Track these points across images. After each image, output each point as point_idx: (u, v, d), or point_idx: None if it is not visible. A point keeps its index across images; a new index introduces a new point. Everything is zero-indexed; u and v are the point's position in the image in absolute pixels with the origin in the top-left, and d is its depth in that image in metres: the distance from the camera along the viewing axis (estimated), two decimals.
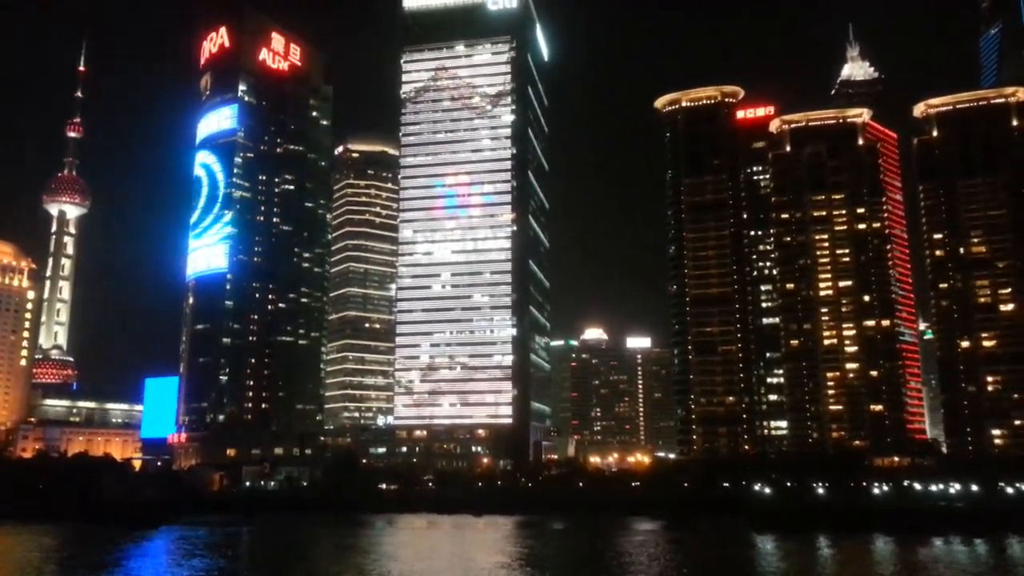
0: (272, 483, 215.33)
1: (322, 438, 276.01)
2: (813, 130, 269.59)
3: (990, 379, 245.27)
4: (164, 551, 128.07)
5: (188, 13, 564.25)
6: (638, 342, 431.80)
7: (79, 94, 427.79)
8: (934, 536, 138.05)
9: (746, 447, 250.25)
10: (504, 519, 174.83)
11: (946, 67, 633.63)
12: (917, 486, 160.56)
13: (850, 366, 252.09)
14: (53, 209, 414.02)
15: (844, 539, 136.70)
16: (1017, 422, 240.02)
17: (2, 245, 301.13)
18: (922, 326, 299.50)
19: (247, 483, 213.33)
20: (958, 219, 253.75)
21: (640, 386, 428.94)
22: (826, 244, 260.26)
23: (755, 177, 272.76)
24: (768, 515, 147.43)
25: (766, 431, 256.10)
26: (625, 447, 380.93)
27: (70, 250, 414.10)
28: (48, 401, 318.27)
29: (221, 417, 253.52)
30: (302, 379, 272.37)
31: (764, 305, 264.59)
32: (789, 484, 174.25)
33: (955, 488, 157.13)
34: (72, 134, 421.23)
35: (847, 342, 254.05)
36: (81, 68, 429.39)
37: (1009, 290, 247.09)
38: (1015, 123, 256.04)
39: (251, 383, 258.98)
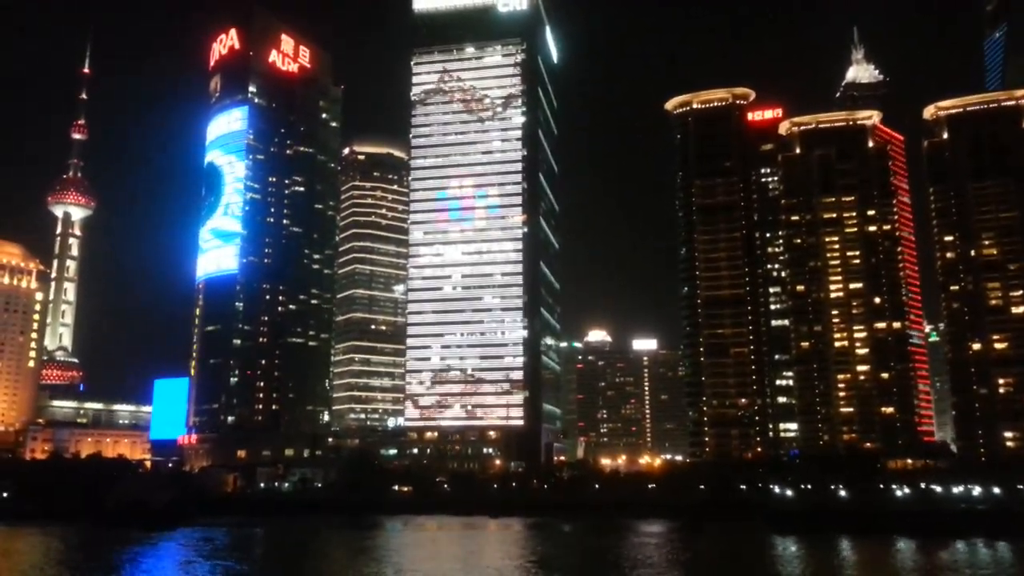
0: (286, 485, 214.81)
1: (331, 440, 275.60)
2: (822, 132, 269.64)
3: (1001, 381, 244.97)
4: (186, 553, 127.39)
5: (197, 14, 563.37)
6: (644, 344, 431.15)
7: (83, 96, 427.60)
8: (956, 538, 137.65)
9: (758, 449, 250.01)
10: (520, 521, 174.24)
11: (950, 70, 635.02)
12: (937, 488, 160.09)
13: (861, 368, 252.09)
14: (58, 211, 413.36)
15: (866, 542, 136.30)
16: None
17: (10, 247, 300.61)
18: (927, 328, 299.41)
19: (261, 484, 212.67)
20: (969, 221, 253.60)
21: (646, 388, 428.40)
22: (836, 246, 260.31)
23: (764, 179, 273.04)
24: (789, 517, 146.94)
25: (779, 433, 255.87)
26: (632, 449, 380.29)
27: (75, 252, 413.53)
28: (55, 402, 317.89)
29: (232, 419, 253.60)
30: (312, 381, 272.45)
31: (773, 307, 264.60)
32: (805, 487, 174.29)
33: (976, 490, 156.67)
34: (76, 136, 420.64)
35: (858, 344, 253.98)
36: (85, 70, 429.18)
37: (1020, 292, 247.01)
38: None
39: (261, 384, 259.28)
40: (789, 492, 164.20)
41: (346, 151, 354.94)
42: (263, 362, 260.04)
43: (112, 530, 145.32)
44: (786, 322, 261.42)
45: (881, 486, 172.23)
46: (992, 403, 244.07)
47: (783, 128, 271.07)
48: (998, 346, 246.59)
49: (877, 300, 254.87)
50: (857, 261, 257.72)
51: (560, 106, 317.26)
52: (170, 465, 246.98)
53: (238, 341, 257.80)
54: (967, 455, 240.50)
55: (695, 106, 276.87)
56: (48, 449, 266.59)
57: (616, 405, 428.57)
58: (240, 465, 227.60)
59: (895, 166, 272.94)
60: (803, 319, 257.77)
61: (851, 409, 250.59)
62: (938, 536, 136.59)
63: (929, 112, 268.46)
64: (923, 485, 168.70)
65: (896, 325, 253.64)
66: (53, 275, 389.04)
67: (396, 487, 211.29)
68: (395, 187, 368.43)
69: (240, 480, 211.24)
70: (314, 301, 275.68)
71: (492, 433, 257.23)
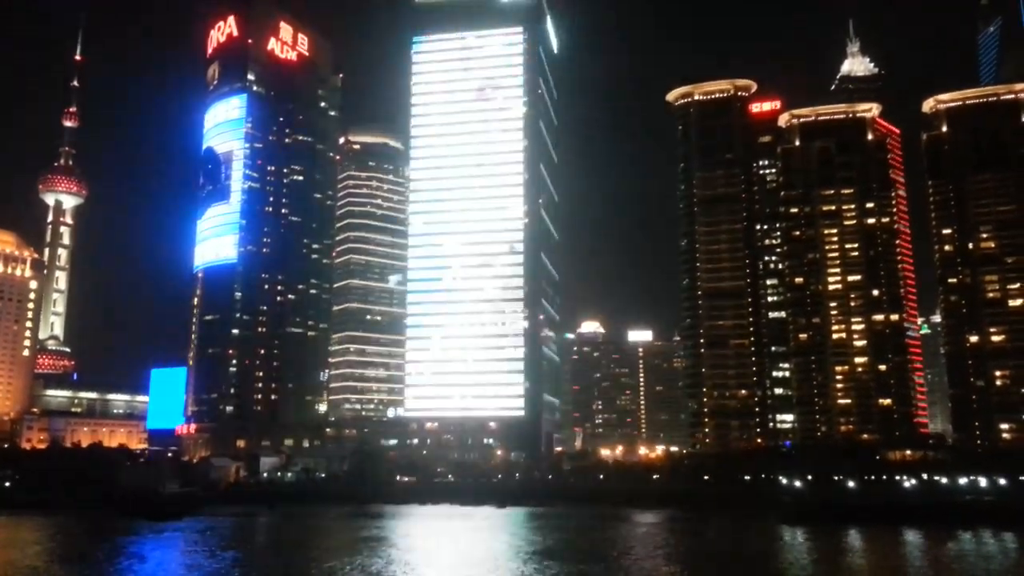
0: (289, 474, 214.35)
1: (328, 429, 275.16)
2: (822, 124, 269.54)
3: (998, 373, 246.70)
4: (196, 542, 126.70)
5: (195, 2, 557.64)
6: (639, 335, 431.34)
7: (75, 83, 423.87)
8: (963, 529, 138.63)
9: (758, 440, 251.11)
10: (526, 511, 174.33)
11: (945, 64, 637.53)
12: (943, 480, 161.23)
13: (858, 360, 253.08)
14: (49, 199, 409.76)
15: (875, 532, 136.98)
16: None
17: (3, 235, 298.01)
18: (919, 321, 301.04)
19: (264, 474, 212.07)
20: (967, 214, 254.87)
21: (641, 379, 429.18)
22: (835, 238, 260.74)
23: (762, 171, 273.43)
24: (799, 508, 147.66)
25: (776, 425, 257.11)
26: (627, 440, 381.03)
27: (66, 240, 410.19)
28: (49, 392, 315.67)
29: (231, 408, 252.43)
30: (310, 371, 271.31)
31: (771, 299, 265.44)
32: (808, 477, 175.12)
33: (983, 482, 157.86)
34: (68, 123, 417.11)
35: (855, 336, 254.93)
36: (77, 57, 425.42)
37: (1018, 285, 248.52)
38: None
39: (260, 374, 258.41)
40: (798, 483, 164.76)
41: (341, 140, 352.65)
42: (262, 352, 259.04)
43: (120, 520, 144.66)
44: (783, 314, 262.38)
45: (884, 477, 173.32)
46: (989, 395, 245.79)
47: (783, 120, 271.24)
48: (995, 339, 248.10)
49: (875, 292, 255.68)
50: (855, 254, 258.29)
51: (560, 96, 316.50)
52: (169, 455, 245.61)
53: (237, 331, 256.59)
54: (964, 446, 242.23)
55: (697, 97, 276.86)
56: (44, 438, 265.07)
57: (611, 396, 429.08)
58: (242, 455, 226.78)
59: (892, 159, 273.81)
60: (801, 311, 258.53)
61: (849, 401, 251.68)
62: (945, 527, 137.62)
63: (928, 105, 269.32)
64: (926, 476, 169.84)
65: (894, 317, 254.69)
66: (44, 263, 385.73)
67: (399, 477, 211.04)
68: (390, 177, 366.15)
69: (243, 470, 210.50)
70: (313, 291, 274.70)
71: (492, 423, 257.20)
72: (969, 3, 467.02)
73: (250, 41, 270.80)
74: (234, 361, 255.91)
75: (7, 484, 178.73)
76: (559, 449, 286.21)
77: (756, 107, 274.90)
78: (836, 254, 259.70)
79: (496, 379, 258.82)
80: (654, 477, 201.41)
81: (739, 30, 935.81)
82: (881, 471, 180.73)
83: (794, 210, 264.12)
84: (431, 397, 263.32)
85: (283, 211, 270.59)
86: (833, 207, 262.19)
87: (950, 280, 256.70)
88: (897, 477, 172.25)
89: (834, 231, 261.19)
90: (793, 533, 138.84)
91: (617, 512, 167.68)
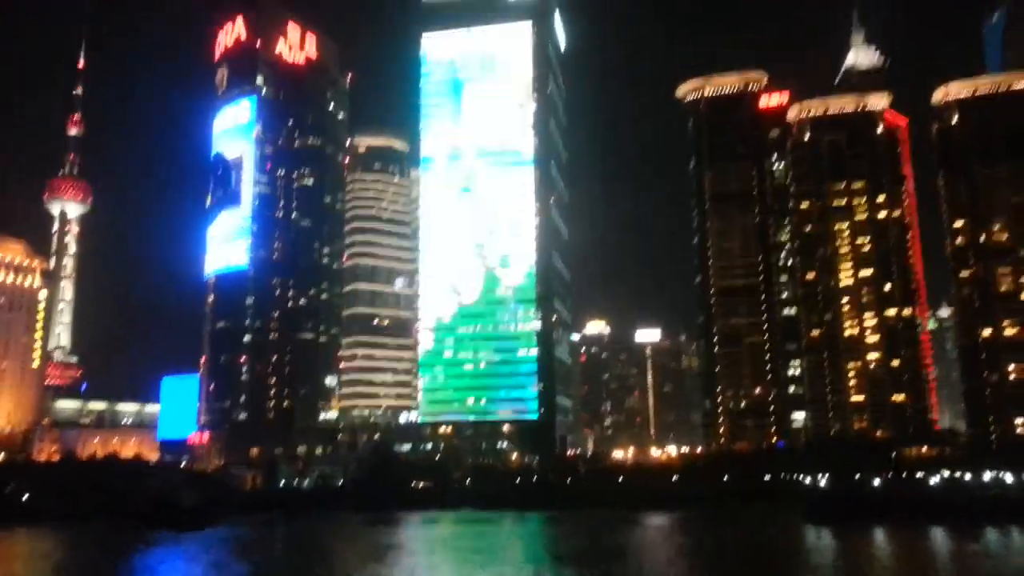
0: (307, 482, 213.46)
1: (341, 435, 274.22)
2: (832, 118, 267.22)
3: (1012, 367, 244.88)
4: (220, 552, 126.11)
5: (200, 4, 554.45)
6: (647, 334, 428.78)
7: (79, 91, 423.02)
8: (988, 526, 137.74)
9: (773, 439, 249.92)
10: (548, 514, 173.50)
11: (950, 54, 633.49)
12: (967, 475, 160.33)
13: (871, 356, 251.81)
14: (55, 208, 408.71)
15: (902, 530, 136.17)
16: None
17: (12, 244, 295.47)
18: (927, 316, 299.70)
19: (282, 482, 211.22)
20: (979, 206, 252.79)
21: (650, 380, 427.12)
22: (847, 233, 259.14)
23: (771, 166, 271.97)
24: (824, 506, 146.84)
25: (790, 423, 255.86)
26: (637, 441, 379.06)
27: (72, 249, 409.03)
28: (59, 403, 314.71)
29: (244, 416, 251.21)
30: (322, 376, 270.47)
31: (783, 296, 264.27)
32: (826, 475, 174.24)
33: (1009, 478, 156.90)
34: (73, 131, 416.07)
35: (868, 332, 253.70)
36: (80, 64, 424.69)
37: None
38: None
39: (274, 381, 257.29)
40: (823, 481, 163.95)
41: (347, 143, 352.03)
42: (275, 358, 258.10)
43: (141, 530, 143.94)
44: (794, 310, 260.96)
45: (904, 474, 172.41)
46: (1003, 389, 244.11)
47: (792, 114, 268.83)
48: (1008, 332, 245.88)
49: (887, 287, 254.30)
50: (867, 248, 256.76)
51: (568, 92, 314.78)
52: (183, 464, 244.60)
53: (249, 337, 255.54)
54: (979, 441, 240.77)
55: (707, 92, 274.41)
56: (55, 450, 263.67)
57: (620, 397, 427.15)
58: (258, 463, 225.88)
59: (901, 151, 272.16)
60: (813, 307, 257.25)
61: (862, 397, 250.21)
62: (972, 524, 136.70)
63: (938, 96, 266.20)
64: (947, 473, 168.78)
65: (906, 312, 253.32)
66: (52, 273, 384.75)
67: (416, 482, 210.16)
68: (396, 179, 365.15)
69: (260, 478, 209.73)
70: (324, 296, 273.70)
71: (506, 426, 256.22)
72: None
73: (258, 43, 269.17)
74: (246, 368, 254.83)
75: (25, 496, 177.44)
76: (572, 452, 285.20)
77: (764, 100, 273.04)
78: (847, 249, 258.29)
79: (510, 382, 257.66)
80: (673, 478, 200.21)
81: (742, 20, 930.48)
82: (900, 468, 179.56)
83: (805, 205, 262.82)
84: (445, 401, 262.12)
85: (294, 215, 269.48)
86: (844, 201, 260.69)
87: (962, 273, 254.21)
88: (919, 474, 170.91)
89: (845, 226, 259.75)
90: (819, 532, 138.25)
91: (639, 514, 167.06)
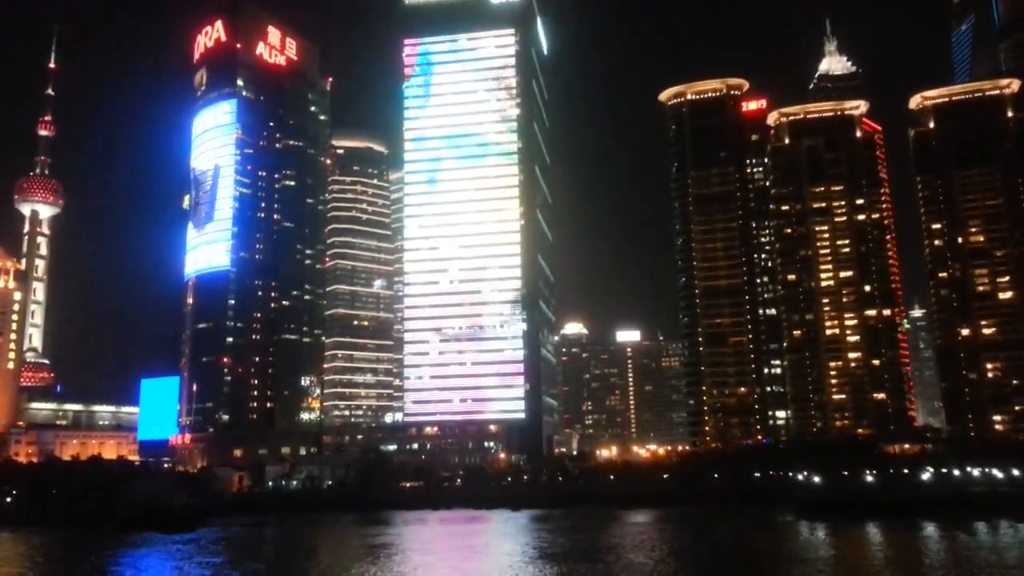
0: (294, 483, 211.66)
1: (326, 436, 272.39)
2: (811, 122, 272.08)
3: (990, 366, 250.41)
4: (211, 554, 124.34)
5: (178, 6, 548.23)
6: (627, 335, 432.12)
7: (50, 91, 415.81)
8: (978, 521, 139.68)
9: (759, 437, 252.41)
10: (539, 513, 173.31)
11: (921, 62, 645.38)
12: (955, 472, 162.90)
13: (852, 355, 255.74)
14: (25, 209, 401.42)
15: (894, 525, 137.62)
16: (1018, 407, 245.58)
17: None
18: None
19: (270, 483, 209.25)
20: (956, 209, 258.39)
21: (630, 379, 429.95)
22: (826, 235, 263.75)
23: (752, 169, 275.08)
24: (817, 503, 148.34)
25: (773, 421, 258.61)
26: (618, 440, 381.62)
27: (44, 250, 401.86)
28: (34, 405, 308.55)
29: (226, 417, 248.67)
30: (304, 377, 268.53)
31: (765, 296, 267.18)
32: (820, 472, 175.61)
33: (999, 474, 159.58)
34: (43, 132, 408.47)
35: (848, 331, 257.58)
36: (52, 65, 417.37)
37: (1008, 278, 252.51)
38: (1010, 114, 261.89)
39: (255, 382, 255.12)
40: (816, 479, 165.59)
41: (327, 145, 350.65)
42: (257, 359, 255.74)
43: (128, 533, 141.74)
44: (776, 311, 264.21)
45: (891, 471, 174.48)
46: (981, 388, 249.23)
47: (772, 119, 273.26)
48: (986, 331, 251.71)
49: (867, 288, 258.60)
50: (847, 250, 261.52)
51: (551, 97, 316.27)
52: (166, 465, 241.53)
53: (231, 338, 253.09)
54: (959, 438, 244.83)
55: (690, 97, 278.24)
56: (32, 452, 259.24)
57: (600, 397, 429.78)
58: (242, 464, 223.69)
59: (878, 155, 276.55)
60: (795, 307, 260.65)
61: (843, 396, 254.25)
62: (961, 519, 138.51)
63: (915, 102, 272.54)
64: (932, 469, 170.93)
65: (886, 312, 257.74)
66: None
67: (405, 483, 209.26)
68: (375, 181, 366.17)
69: (247, 479, 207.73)
70: (307, 297, 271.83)
71: (493, 426, 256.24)
72: (943, 2, 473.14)
73: (239, 46, 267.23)
74: (228, 369, 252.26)
75: (7, 500, 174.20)
76: (562, 450, 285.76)
77: (745, 105, 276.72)
78: (827, 250, 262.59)
79: (496, 382, 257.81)
80: (663, 476, 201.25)
81: (722, 28, 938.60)
82: (886, 465, 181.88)
83: (785, 207, 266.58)
84: (430, 401, 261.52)
85: (275, 217, 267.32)
86: (823, 204, 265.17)
87: (940, 274, 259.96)
88: (905, 470, 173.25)
89: (825, 228, 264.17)
90: (812, 528, 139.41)
91: (630, 512, 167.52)
